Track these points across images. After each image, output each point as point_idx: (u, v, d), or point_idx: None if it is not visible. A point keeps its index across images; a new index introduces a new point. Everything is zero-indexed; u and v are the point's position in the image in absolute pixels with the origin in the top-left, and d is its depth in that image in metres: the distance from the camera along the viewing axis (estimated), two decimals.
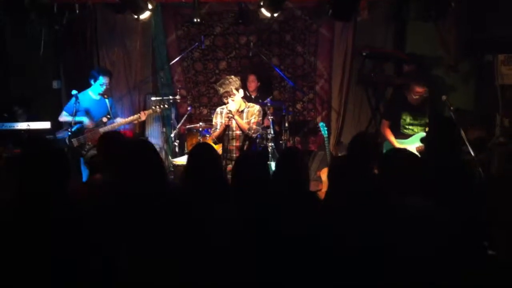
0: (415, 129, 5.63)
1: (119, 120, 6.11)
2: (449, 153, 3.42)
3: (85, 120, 5.83)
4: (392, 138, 5.60)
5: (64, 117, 5.88)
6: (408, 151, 3.07)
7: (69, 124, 5.66)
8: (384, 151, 5.52)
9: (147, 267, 2.52)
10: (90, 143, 5.77)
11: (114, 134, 4.19)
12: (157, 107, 6.24)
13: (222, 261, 2.62)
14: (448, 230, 2.57)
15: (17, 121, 6.09)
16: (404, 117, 5.64)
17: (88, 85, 6.06)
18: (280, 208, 2.92)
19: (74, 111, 5.58)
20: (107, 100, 6.01)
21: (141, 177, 2.72)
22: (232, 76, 5.05)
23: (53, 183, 2.58)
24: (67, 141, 5.65)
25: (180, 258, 2.56)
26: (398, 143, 5.55)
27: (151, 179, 2.75)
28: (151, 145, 2.98)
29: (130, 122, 6.27)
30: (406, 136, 5.63)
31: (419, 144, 5.45)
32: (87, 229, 2.55)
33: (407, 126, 5.65)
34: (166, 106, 6.35)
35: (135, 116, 6.18)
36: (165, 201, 2.69)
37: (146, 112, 6.21)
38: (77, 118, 5.70)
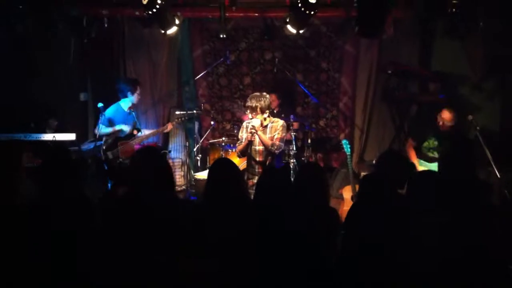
0: (437, 153, 5.51)
1: (146, 133, 6.18)
2: (464, 172, 3.36)
3: (125, 128, 5.92)
4: (414, 159, 5.52)
5: (102, 130, 5.86)
6: (436, 173, 3.06)
7: (96, 137, 5.75)
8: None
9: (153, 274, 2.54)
10: (122, 155, 5.84)
11: (152, 148, 4.24)
12: (179, 119, 6.31)
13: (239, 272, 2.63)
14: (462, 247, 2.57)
15: (44, 131, 6.18)
16: (430, 139, 5.54)
17: (115, 97, 6.15)
18: (300, 223, 2.92)
19: (107, 124, 5.70)
20: (133, 113, 6.10)
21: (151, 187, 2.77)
22: (267, 95, 5.02)
23: (68, 191, 2.63)
24: (102, 153, 5.73)
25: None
26: (421, 166, 5.47)
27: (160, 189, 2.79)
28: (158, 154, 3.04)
29: (155, 135, 6.34)
30: (430, 159, 5.53)
31: None
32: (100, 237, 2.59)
33: (431, 149, 5.55)
34: (186, 118, 6.40)
35: (162, 127, 6.26)
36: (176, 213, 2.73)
37: (172, 123, 6.29)
38: (117, 127, 5.84)
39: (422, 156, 5.56)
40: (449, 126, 5.42)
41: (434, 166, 5.40)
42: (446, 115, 5.41)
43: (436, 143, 5.52)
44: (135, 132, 6.05)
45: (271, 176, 3.36)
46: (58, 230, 2.51)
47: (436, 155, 5.50)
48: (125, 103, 6.11)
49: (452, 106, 5.57)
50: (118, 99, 6.14)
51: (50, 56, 6.83)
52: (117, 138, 5.98)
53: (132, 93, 6.05)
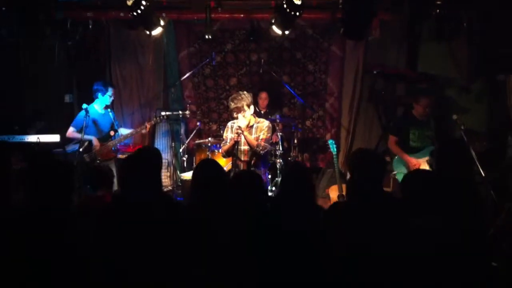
0: (423, 142, 5.66)
1: (125, 133, 6.14)
2: (458, 174, 3.37)
3: (94, 141, 5.85)
4: (401, 152, 5.61)
5: (72, 133, 5.90)
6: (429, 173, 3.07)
7: (78, 140, 5.69)
8: (394, 166, 5.58)
9: (149, 271, 2.54)
10: (99, 157, 5.82)
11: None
12: (157, 118, 6.29)
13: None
14: (452, 247, 2.57)
15: (27, 133, 6.13)
16: (412, 132, 5.65)
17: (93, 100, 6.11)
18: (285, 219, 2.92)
19: (83, 125, 5.61)
20: (111, 114, 6.07)
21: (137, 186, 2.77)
22: (245, 92, 5.04)
23: (58, 195, 2.61)
24: (78, 156, 5.68)
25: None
26: (406, 155, 5.57)
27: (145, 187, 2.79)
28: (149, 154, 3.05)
29: (135, 134, 6.29)
30: (415, 150, 5.63)
31: (428, 157, 5.49)
32: (91, 239, 2.58)
33: (415, 140, 5.66)
34: (164, 119, 6.39)
35: (140, 128, 6.22)
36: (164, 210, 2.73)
37: (150, 123, 6.24)
38: (86, 137, 5.73)
39: (408, 149, 5.62)
40: (429, 113, 5.63)
41: (422, 155, 5.57)
42: (426, 102, 5.60)
43: (419, 132, 5.66)
44: (111, 133, 6.00)
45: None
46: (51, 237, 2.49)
47: (423, 144, 5.63)
48: (99, 105, 6.07)
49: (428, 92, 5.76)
50: None
51: (35, 58, 6.80)
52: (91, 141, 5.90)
53: (103, 94, 6.01)
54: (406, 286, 2.55)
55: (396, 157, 5.75)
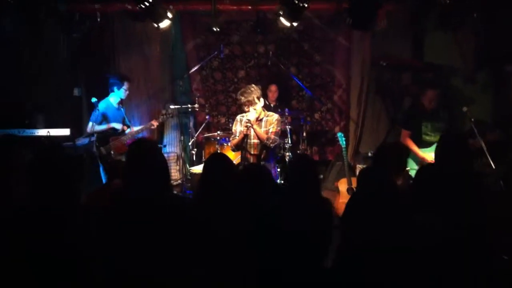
0: (436, 135, 5.55)
1: (135, 129, 6.18)
2: (458, 168, 3.36)
3: (117, 126, 5.93)
4: (415, 147, 5.51)
5: (92, 126, 5.89)
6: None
7: (90, 133, 5.75)
8: (409, 163, 5.55)
9: (152, 267, 2.54)
10: (113, 151, 5.86)
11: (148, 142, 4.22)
12: (164, 115, 6.33)
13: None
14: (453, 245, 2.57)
15: (36, 127, 6.16)
16: (424, 125, 5.58)
17: (107, 93, 6.14)
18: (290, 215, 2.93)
19: (101, 119, 5.69)
20: (122, 109, 6.10)
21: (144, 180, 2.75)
22: (254, 85, 5.01)
23: (66, 188, 2.60)
24: (95, 149, 5.77)
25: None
26: (421, 152, 5.49)
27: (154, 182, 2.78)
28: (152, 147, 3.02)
29: (143, 131, 6.32)
30: (428, 144, 5.56)
31: None
32: (97, 233, 2.58)
33: (429, 133, 5.58)
34: (171, 115, 6.45)
35: (148, 124, 6.26)
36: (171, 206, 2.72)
37: (157, 121, 6.30)
38: (112, 124, 5.89)
39: (422, 144, 5.57)
40: (435, 105, 5.55)
41: (433, 150, 5.47)
42: (431, 95, 5.53)
43: (431, 125, 5.57)
44: (125, 128, 6.08)
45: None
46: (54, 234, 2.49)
47: (436, 137, 5.53)
48: (114, 98, 6.12)
49: (433, 85, 5.70)
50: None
51: (42, 51, 6.79)
52: (109, 134, 5.99)
53: (119, 88, 6.05)
54: (408, 282, 2.54)
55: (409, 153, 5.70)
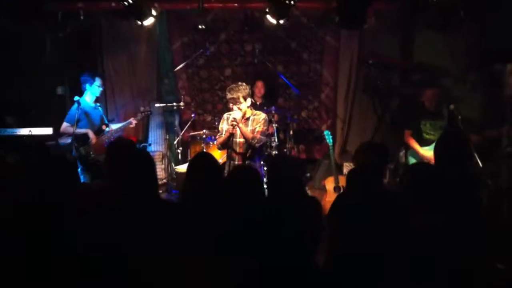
0: (436, 133, 5.59)
1: (114, 127, 6.05)
2: (456, 167, 3.33)
3: (89, 134, 5.77)
4: (417, 146, 5.58)
5: (66, 128, 5.73)
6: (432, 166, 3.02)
7: (72, 134, 5.61)
8: (409, 160, 5.55)
9: (149, 265, 2.51)
10: (93, 152, 5.74)
11: (127, 141, 4.14)
12: (142, 113, 6.22)
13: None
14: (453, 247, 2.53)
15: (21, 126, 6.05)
16: (424, 123, 5.62)
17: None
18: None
19: (76, 119, 5.51)
20: (100, 108, 5.96)
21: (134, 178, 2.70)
22: (244, 84, 4.91)
23: (61, 191, 2.58)
24: (74, 150, 5.60)
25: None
26: (422, 150, 5.51)
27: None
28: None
29: (123, 128, 6.19)
30: (428, 142, 5.58)
31: None
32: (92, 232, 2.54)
33: (428, 132, 5.62)
34: (149, 113, 6.33)
35: (126, 122, 6.14)
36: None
37: (136, 119, 6.18)
38: (80, 130, 5.65)
39: (422, 142, 5.58)
40: (435, 104, 5.60)
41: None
42: (432, 94, 5.60)
43: (430, 123, 5.62)
44: (103, 127, 5.91)
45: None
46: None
47: (435, 135, 5.55)
48: (89, 97, 5.89)
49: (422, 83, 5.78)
50: None
51: (27, 50, 6.69)
52: (86, 134, 5.83)
53: (91, 84, 5.83)
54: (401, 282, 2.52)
55: (410, 150, 5.72)
